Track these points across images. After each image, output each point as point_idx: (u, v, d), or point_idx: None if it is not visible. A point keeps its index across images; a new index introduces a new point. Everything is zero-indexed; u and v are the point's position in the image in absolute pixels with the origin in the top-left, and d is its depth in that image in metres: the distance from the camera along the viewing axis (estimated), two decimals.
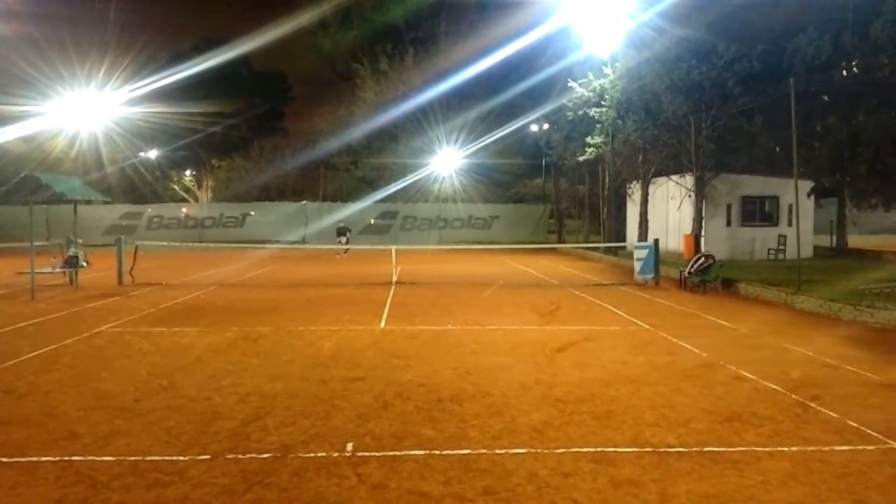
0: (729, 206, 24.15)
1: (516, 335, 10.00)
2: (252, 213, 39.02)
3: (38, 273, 14.79)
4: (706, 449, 5.11)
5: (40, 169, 31.13)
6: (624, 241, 29.35)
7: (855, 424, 5.70)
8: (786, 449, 5.14)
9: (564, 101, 28.66)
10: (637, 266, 17.53)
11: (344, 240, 28.72)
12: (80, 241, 17.08)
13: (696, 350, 8.86)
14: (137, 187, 45.25)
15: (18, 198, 15.47)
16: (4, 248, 22.88)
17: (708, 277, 15.60)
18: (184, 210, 40.33)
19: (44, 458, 4.91)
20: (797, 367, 7.91)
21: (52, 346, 9.03)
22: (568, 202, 44.08)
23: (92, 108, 33.47)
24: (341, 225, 29.82)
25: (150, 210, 38.60)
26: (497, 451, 5.06)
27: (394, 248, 22.39)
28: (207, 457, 4.95)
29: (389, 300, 14.03)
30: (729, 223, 24.23)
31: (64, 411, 6.09)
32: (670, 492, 4.35)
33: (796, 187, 14.72)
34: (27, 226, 14.99)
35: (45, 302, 13.65)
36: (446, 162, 41.40)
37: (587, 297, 14.61)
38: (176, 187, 50.85)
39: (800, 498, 4.29)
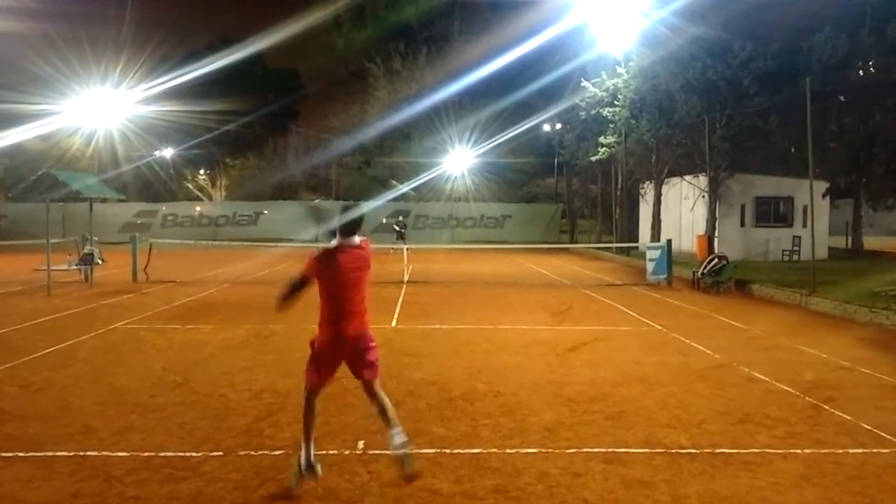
0: (743, 207, 23.99)
1: (528, 334, 9.99)
2: (265, 211, 39.21)
3: (54, 270, 14.94)
4: (718, 450, 5.09)
5: (57, 167, 31.39)
6: (636, 241, 29.23)
7: (869, 427, 5.65)
8: (799, 451, 5.11)
9: (577, 101, 28.57)
10: (650, 266, 17.46)
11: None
12: (95, 238, 17.24)
13: (708, 351, 8.82)
14: (152, 185, 45.61)
15: (35, 195, 15.64)
16: (21, 244, 23.13)
17: (721, 278, 15.51)
18: (198, 208, 40.60)
19: (59, 453, 4.97)
20: (811, 368, 7.85)
21: (68, 342, 9.13)
22: (580, 202, 43.95)
23: (108, 107, 33.78)
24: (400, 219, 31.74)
25: (164, 208, 38.89)
26: (508, 451, 5.06)
27: (405, 246, 22.40)
28: (220, 453, 4.99)
29: (401, 299, 14.06)
30: (743, 224, 24.07)
31: (79, 406, 6.16)
32: (682, 493, 4.34)
33: (811, 188, 14.61)
34: (44, 223, 15.15)
35: (60, 298, 13.80)
36: (458, 161, 41.38)
37: (599, 297, 14.57)
38: (190, 186, 51.18)
39: (812, 500, 4.26)
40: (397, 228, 30.53)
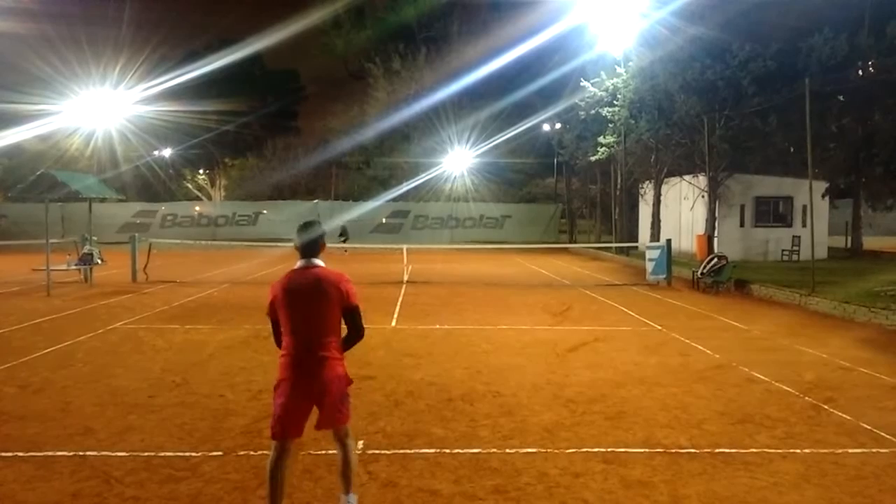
0: (742, 207, 24.00)
1: (528, 335, 9.99)
2: (264, 211, 39.22)
3: (53, 270, 14.93)
4: (718, 450, 5.09)
5: (56, 167, 31.43)
6: (636, 241, 29.25)
7: (868, 427, 5.65)
8: (798, 451, 5.10)
9: (577, 101, 28.60)
10: (649, 266, 17.46)
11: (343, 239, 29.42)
12: (94, 238, 17.24)
13: (708, 351, 8.82)
14: (151, 185, 45.65)
15: (34, 195, 15.65)
16: (20, 245, 23.12)
17: (721, 278, 15.51)
18: (197, 208, 40.60)
19: (59, 453, 4.96)
20: (810, 369, 7.85)
21: (67, 343, 9.12)
22: (580, 202, 43.99)
23: (107, 107, 33.79)
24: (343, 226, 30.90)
25: (163, 208, 38.90)
26: (507, 451, 5.06)
27: (405, 247, 22.40)
28: (220, 453, 4.99)
29: (401, 299, 14.06)
30: (742, 224, 24.09)
31: (79, 407, 6.15)
32: (681, 493, 4.33)
33: (811, 188, 14.62)
34: (43, 223, 15.14)
35: (60, 298, 13.79)
36: (458, 161, 41.41)
37: (599, 298, 14.57)
38: (189, 186, 51.19)
39: (812, 500, 4.26)
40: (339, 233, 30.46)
